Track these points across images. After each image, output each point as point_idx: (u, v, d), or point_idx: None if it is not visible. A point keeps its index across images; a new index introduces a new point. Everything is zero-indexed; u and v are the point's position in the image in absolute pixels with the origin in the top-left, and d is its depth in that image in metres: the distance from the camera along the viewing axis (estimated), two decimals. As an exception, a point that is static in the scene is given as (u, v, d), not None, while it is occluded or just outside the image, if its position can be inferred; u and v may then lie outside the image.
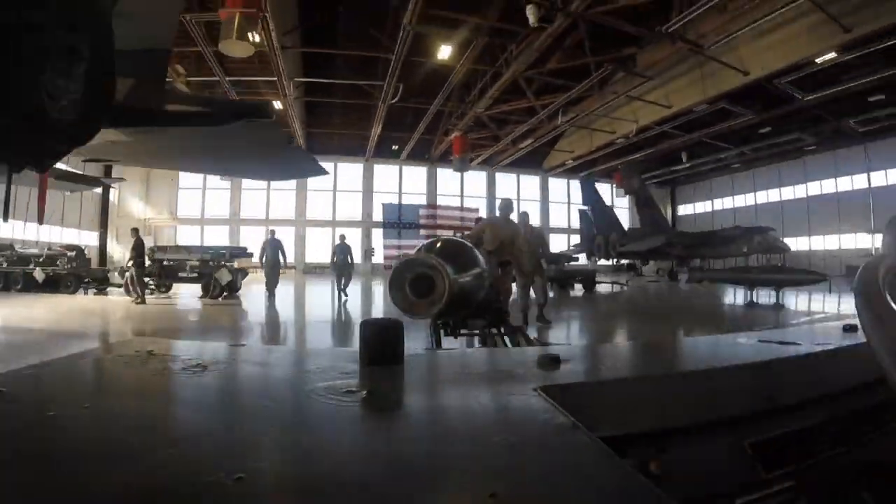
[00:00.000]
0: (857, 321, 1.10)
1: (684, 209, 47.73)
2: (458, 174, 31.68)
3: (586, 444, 0.78)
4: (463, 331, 4.83)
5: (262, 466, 0.66)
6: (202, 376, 1.12)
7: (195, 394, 1.05)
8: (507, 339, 4.92)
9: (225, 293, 15.16)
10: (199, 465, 0.66)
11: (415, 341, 5.90)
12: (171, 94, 4.76)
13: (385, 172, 37.59)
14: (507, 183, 40.34)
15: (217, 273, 15.14)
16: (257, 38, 13.65)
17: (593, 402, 1.02)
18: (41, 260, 16.61)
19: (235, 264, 16.15)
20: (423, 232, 31.75)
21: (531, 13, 14.64)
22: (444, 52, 18.78)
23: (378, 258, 33.58)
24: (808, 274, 14.17)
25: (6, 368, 1.10)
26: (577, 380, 1.15)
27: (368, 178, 37.33)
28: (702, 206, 45.61)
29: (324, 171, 6.28)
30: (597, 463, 0.73)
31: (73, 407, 0.91)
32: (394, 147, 32.90)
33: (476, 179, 38.79)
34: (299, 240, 35.75)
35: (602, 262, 29.46)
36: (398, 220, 33.62)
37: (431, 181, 37.93)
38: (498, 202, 7.78)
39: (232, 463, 0.65)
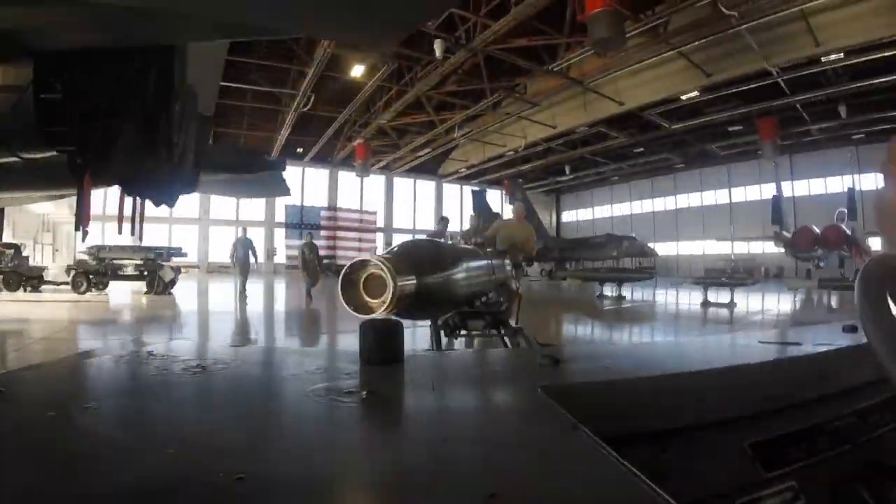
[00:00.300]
0: (857, 321, 1.09)
1: (568, 216, 52.79)
2: (359, 178, 32.42)
3: (586, 444, 0.77)
4: (463, 331, 4.86)
5: (262, 466, 0.65)
6: (202, 376, 1.12)
7: (195, 394, 1.05)
8: (507, 339, 4.91)
9: (168, 289, 16.64)
10: (199, 465, 0.66)
11: (415, 342, 6.15)
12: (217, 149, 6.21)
13: (288, 174, 36.98)
14: (405, 187, 42.35)
15: (161, 271, 16.63)
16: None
17: (593, 402, 1.02)
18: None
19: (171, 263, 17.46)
20: (323, 233, 32.80)
21: (438, 47, 16.88)
22: (357, 70, 21.01)
23: (280, 258, 34.54)
24: (640, 272, 19.02)
25: (6, 368, 1.05)
26: (577, 380, 1.15)
27: None
28: (584, 214, 50.90)
29: (288, 193, 7.55)
30: (597, 463, 0.72)
31: (73, 407, 0.91)
32: (298, 150, 33.29)
33: (375, 183, 39.70)
34: (202, 240, 35.56)
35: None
36: (300, 222, 35.04)
37: (333, 184, 38.59)
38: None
39: (232, 463, 0.65)
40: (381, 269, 2.58)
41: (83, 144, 2.85)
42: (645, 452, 0.95)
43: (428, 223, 40.29)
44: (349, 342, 7.24)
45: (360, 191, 39.05)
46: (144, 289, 16.53)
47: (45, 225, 24.55)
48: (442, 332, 4.70)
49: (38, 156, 3.38)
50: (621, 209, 46.93)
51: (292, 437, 0.80)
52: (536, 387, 1.00)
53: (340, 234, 36.09)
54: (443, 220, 9.58)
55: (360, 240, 36.81)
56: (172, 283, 17.11)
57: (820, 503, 1.07)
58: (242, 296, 13.98)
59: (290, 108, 24.16)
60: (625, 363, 1.47)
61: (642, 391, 1.14)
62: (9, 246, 17.14)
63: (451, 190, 43.93)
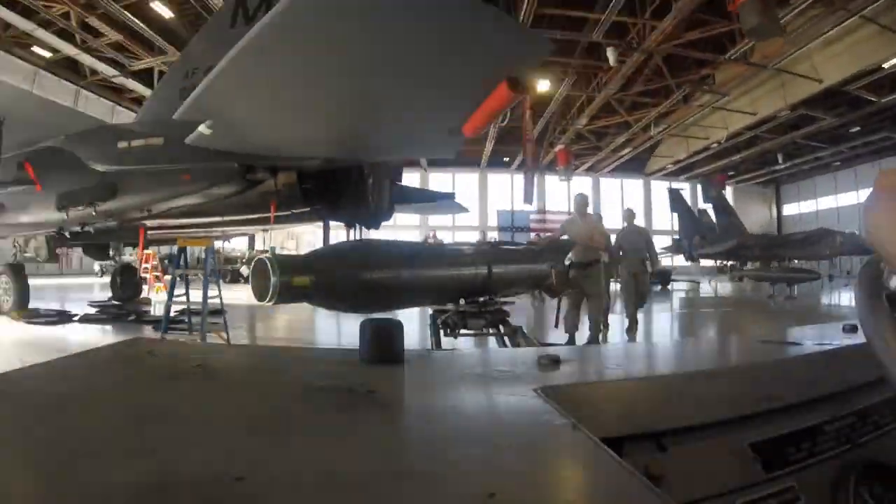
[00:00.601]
0: (857, 321, 1.09)
1: (789, 209, 46.47)
2: (563, 182, 32.64)
3: (586, 444, 0.77)
4: (463, 331, 4.89)
5: (262, 466, 0.65)
6: (202, 375, 1.13)
7: (195, 393, 1.04)
8: (506, 339, 5.04)
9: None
10: (199, 465, 0.66)
11: (415, 342, 6.29)
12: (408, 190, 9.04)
13: (498, 181, 40.07)
14: (611, 188, 41.59)
15: None
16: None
17: (593, 402, 1.02)
18: None
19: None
20: (532, 235, 34.18)
21: (611, 55, 17.63)
22: (543, 84, 22.30)
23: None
24: (808, 273, 18.63)
25: (6, 368, 1.10)
26: (576, 380, 1.14)
27: (483, 187, 39.88)
28: (806, 206, 44.35)
29: (465, 210, 9.70)
30: (597, 463, 0.72)
31: (73, 407, 0.91)
32: (505, 159, 35.61)
33: (582, 186, 37.75)
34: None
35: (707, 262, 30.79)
36: (511, 225, 37.13)
37: (540, 188, 37.08)
38: (576, 200, 7.47)
39: (232, 463, 0.65)
40: (267, 266, 3.10)
41: (323, 202, 5.79)
42: (645, 452, 0.96)
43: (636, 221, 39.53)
44: (350, 342, 7.15)
45: (567, 193, 37.94)
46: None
47: (289, 234, 31.68)
48: (442, 332, 4.86)
49: (299, 210, 6.28)
50: (847, 199, 39.07)
51: (292, 436, 0.80)
52: (536, 387, 1.01)
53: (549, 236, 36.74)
54: (628, 212, 9.52)
55: (567, 241, 37.02)
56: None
57: (820, 503, 1.06)
58: None
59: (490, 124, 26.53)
60: (624, 363, 1.47)
61: (642, 391, 1.14)
62: (263, 251, 21.28)
63: (660, 187, 40.89)
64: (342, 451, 0.74)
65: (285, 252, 23.20)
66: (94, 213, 6.19)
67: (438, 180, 37.16)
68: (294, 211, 6.30)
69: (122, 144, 5.58)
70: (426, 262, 4.56)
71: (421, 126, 4.92)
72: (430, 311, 5.31)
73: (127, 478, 0.61)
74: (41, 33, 20.15)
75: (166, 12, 18.40)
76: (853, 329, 1.67)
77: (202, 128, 4.63)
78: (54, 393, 1.01)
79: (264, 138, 4.88)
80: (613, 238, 8.55)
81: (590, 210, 8.07)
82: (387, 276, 3.84)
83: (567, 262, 6.17)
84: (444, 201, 10.34)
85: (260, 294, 3.23)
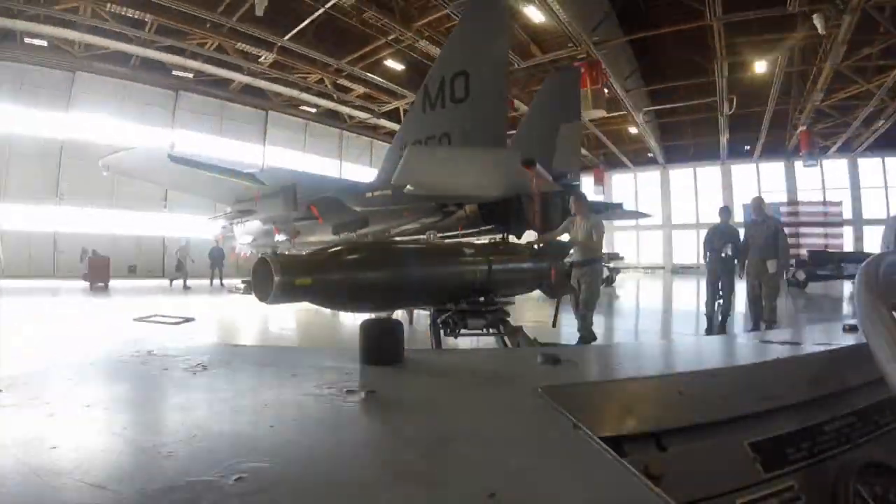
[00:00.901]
0: (857, 321, 1.09)
1: None
2: (811, 167, 29.06)
3: (586, 444, 0.78)
4: (463, 330, 4.90)
5: (262, 466, 0.66)
6: (202, 375, 1.13)
7: (195, 393, 1.04)
8: (506, 339, 5.06)
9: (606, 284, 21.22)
10: (199, 464, 0.66)
11: (415, 341, 6.51)
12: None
13: (742, 173, 36.70)
14: (871, 169, 33.45)
15: None
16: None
17: (593, 402, 1.03)
18: None
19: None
20: (787, 230, 30.92)
21: (818, 22, 16.04)
22: (760, 66, 21.47)
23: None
24: None
25: (6, 368, 0.98)
26: (577, 380, 1.15)
27: (727, 180, 37.01)
28: None
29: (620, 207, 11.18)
30: (597, 463, 0.73)
31: (73, 407, 0.91)
32: (746, 147, 33.44)
33: (836, 170, 33.56)
34: (666, 240, 39.03)
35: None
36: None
37: (790, 177, 34.87)
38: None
39: (232, 463, 0.66)
40: (269, 266, 3.16)
41: (497, 222, 7.87)
42: (645, 452, 0.96)
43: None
44: (349, 342, 7.19)
45: (820, 180, 34.00)
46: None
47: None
48: (442, 332, 4.91)
49: (481, 228, 8.22)
50: None
51: (292, 436, 0.80)
52: (536, 386, 1.01)
53: (804, 230, 31.33)
54: (756, 201, 9.03)
55: (825, 235, 31.17)
56: (610, 280, 21.36)
57: (820, 503, 1.07)
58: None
59: (720, 114, 26.06)
60: (625, 363, 1.48)
61: (642, 391, 1.14)
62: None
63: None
64: (342, 452, 0.74)
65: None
66: (355, 236, 9.32)
67: (679, 175, 38.09)
68: (479, 229, 8.57)
69: (368, 195, 8.73)
70: (426, 261, 4.65)
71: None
72: (429, 310, 5.37)
73: (127, 478, 0.63)
74: (305, 96, 29.36)
75: (398, 66, 24.57)
76: (853, 329, 1.66)
77: (408, 187, 7.41)
78: (55, 393, 1.02)
79: (444, 191, 7.61)
80: (742, 232, 8.70)
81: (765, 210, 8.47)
82: (386, 275, 3.94)
83: (568, 262, 6.18)
84: (616, 209, 12.24)
85: (261, 294, 3.26)
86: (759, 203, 8.89)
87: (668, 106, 27.49)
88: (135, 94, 27.73)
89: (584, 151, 34.74)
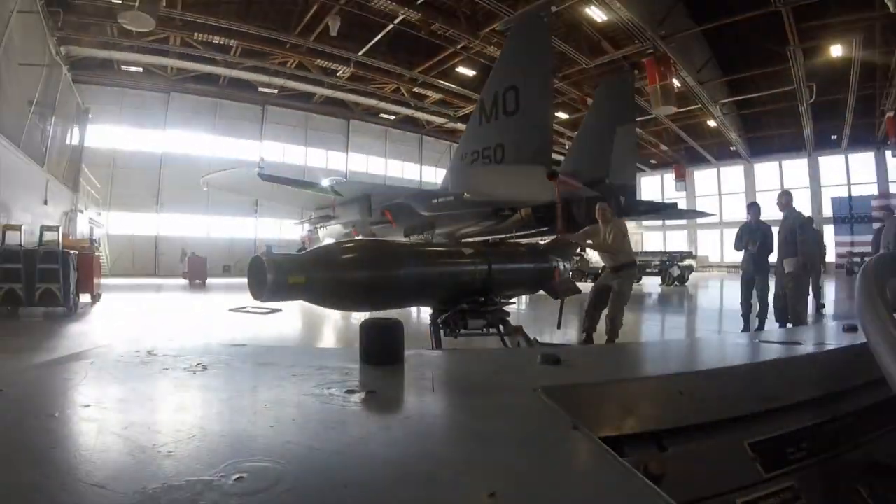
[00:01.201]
0: (857, 321, 1.09)
1: None
2: None
3: (586, 444, 0.78)
4: (463, 331, 4.88)
5: (262, 466, 0.66)
6: (202, 376, 1.13)
7: (195, 394, 1.04)
8: (506, 339, 5.05)
9: (678, 282, 22.50)
10: (199, 464, 0.66)
11: (415, 341, 6.30)
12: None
13: (830, 164, 34.12)
14: None
15: (670, 269, 22.65)
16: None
17: (593, 402, 1.03)
18: None
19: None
20: (875, 225, 28.79)
21: (890, 2, 14.93)
22: (836, 50, 20.82)
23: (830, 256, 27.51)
24: None
25: (6, 368, 1.04)
26: (577, 380, 1.14)
27: (815, 172, 34.72)
28: None
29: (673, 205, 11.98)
30: (597, 463, 0.73)
31: (73, 407, 0.92)
32: (833, 137, 31.31)
33: None
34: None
35: None
36: (849, 214, 31.46)
37: (881, 167, 32.32)
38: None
39: (232, 462, 0.66)
40: (263, 264, 3.24)
41: (550, 224, 7.90)
42: (645, 452, 0.96)
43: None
44: (349, 342, 7.74)
45: None
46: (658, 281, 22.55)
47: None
48: (442, 332, 4.90)
49: (536, 230, 8.73)
50: None
51: (292, 436, 0.80)
52: (536, 387, 1.01)
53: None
54: (784, 195, 8.58)
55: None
56: (682, 278, 22.36)
57: (820, 503, 1.06)
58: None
59: (800, 103, 25.01)
60: (625, 363, 1.49)
61: (642, 391, 1.13)
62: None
63: None
64: (342, 451, 0.74)
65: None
66: (422, 237, 9.67)
67: (764, 169, 36.10)
68: (535, 230, 9.00)
69: (434, 200, 9.39)
70: (422, 262, 4.65)
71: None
72: (429, 310, 5.37)
73: (126, 478, 0.63)
74: (383, 105, 31.37)
75: (469, 72, 25.36)
76: (853, 329, 1.63)
77: (466, 194, 8.11)
78: (54, 393, 1.02)
79: (496, 198, 8.12)
80: (776, 231, 8.32)
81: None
82: (381, 274, 3.97)
83: (574, 265, 6.04)
84: (669, 209, 12.55)
85: (255, 292, 3.34)
86: (786, 198, 8.44)
87: (745, 97, 26.42)
88: (225, 110, 30.56)
89: (663, 147, 33.76)
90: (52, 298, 10.66)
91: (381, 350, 1.21)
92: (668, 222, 37.04)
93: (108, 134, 27.32)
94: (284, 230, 24.66)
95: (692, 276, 24.54)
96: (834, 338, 1.71)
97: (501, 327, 5.24)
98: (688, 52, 21.11)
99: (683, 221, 37.38)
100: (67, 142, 19.10)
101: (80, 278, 11.77)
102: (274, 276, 3.27)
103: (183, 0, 19.69)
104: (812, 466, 1.11)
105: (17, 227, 11.27)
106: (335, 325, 10.17)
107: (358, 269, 3.81)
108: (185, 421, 0.86)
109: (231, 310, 11.37)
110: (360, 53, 23.31)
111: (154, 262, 28.67)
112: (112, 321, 10.50)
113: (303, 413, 0.92)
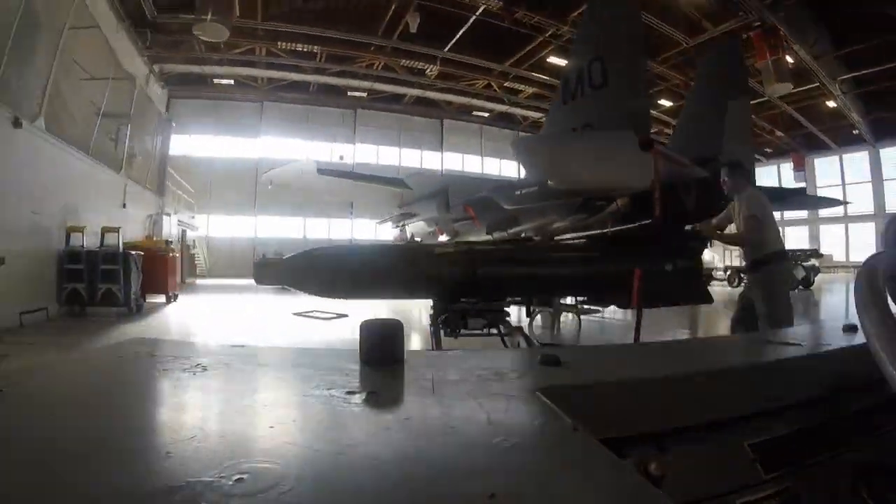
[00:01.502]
0: (857, 321, 1.06)
1: None
2: None
3: (586, 444, 0.79)
4: (463, 331, 4.85)
5: (262, 466, 0.66)
6: (202, 376, 1.13)
7: (195, 394, 1.05)
8: (506, 339, 4.99)
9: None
10: (199, 465, 0.66)
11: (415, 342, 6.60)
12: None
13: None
14: None
15: None
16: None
17: (593, 403, 1.03)
18: None
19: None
20: None
21: None
22: None
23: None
24: None
25: (6, 368, 1.06)
26: (577, 381, 1.14)
27: (876, 167, 31.43)
28: None
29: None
30: (597, 464, 0.73)
31: (73, 407, 0.93)
32: None
33: None
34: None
35: None
36: None
37: None
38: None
39: (232, 463, 0.66)
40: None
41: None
42: (645, 453, 0.96)
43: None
44: (349, 342, 7.37)
45: None
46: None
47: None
48: (442, 332, 4.88)
49: (635, 224, 7.40)
50: None
51: (292, 437, 0.81)
52: (536, 387, 1.02)
53: None
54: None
55: None
56: (807, 281, 20.80)
57: (820, 503, 1.05)
58: None
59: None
60: (624, 364, 1.47)
61: (642, 392, 1.13)
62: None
63: None
64: (342, 452, 0.74)
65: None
66: (506, 234, 9.18)
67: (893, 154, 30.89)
68: (636, 224, 7.96)
69: (517, 192, 8.54)
70: (395, 261, 4.95)
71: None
72: (430, 311, 5.31)
73: (127, 478, 0.63)
74: (476, 102, 30.93)
75: (562, 61, 22.72)
76: (853, 329, 1.60)
77: (549, 181, 7.12)
78: (56, 393, 1.03)
79: (582, 183, 6.99)
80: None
81: None
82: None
83: (668, 267, 4.82)
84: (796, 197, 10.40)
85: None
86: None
87: (867, 71, 22.33)
88: (317, 115, 31.91)
89: (778, 133, 30.92)
90: (113, 299, 11.03)
91: (381, 350, 1.21)
92: (786, 215, 32.66)
93: (207, 143, 29.68)
94: (379, 231, 24.65)
95: (817, 279, 22.49)
96: (834, 338, 1.66)
97: (502, 327, 5.17)
98: (799, 21, 18.66)
99: (804, 215, 33.90)
100: (149, 149, 20.14)
101: (152, 279, 12.24)
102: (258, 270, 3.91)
103: (263, 11, 20.23)
104: (812, 467, 1.10)
105: (81, 229, 11.43)
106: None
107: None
108: (185, 421, 0.87)
109: (295, 314, 11.09)
110: (446, 50, 23.08)
111: (251, 264, 29.96)
112: (168, 324, 10.78)
113: (303, 414, 0.93)
